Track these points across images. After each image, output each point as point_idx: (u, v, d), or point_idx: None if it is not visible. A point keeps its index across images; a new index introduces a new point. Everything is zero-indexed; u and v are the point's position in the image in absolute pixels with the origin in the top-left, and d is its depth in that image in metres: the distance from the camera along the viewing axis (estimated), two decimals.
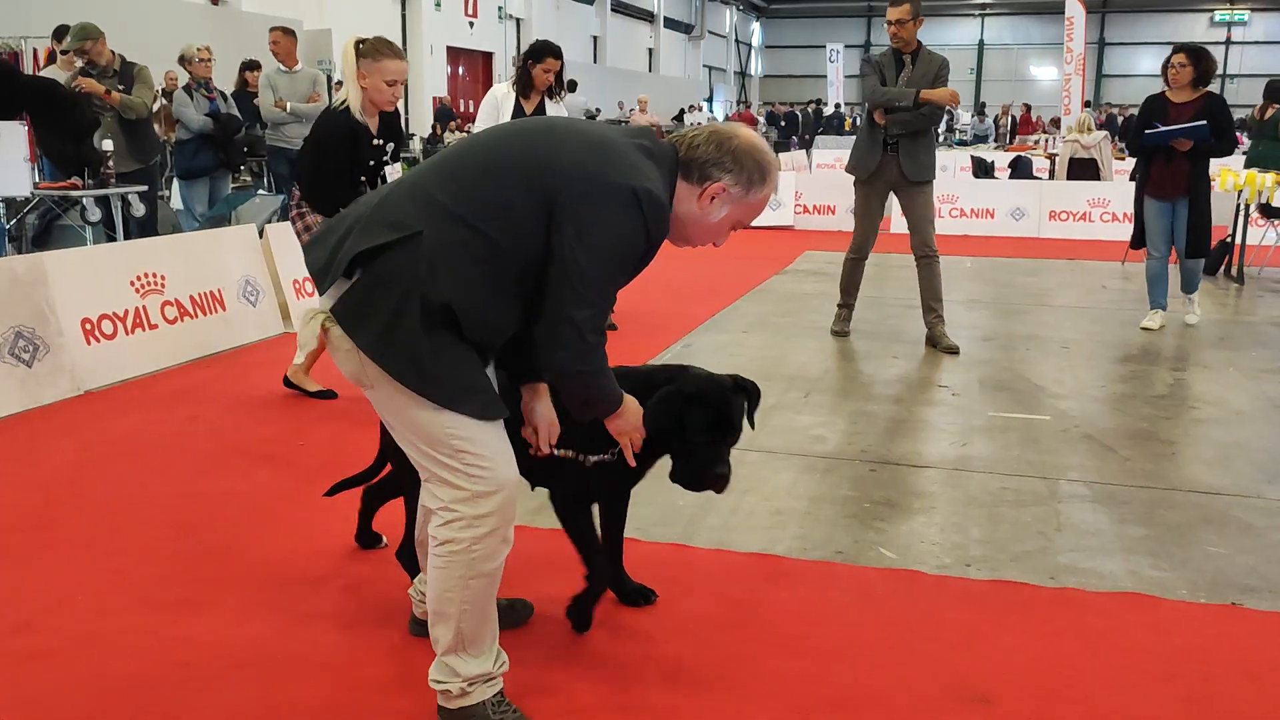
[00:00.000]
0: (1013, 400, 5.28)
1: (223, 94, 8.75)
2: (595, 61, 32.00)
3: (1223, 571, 3.26)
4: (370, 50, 4.56)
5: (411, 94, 23.50)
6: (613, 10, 32.84)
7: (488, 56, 26.76)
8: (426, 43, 23.64)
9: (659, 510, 3.75)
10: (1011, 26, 43.33)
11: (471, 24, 25.59)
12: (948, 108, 6.31)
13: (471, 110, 25.47)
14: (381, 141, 4.72)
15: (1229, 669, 2.69)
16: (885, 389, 5.51)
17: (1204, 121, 6.47)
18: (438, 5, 23.97)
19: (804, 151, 24.85)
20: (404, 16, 23.32)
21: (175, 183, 9.12)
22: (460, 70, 25.76)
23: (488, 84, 26.89)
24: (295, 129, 7.81)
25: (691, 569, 3.29)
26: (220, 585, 3.15)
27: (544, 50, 6.53)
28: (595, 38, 32.43)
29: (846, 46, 34.60)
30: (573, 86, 20.20)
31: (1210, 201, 6.81)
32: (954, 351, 6.31)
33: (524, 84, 6.54)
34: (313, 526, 3.61)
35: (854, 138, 6.88)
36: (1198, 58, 6.66)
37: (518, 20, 27.63)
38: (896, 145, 6.29)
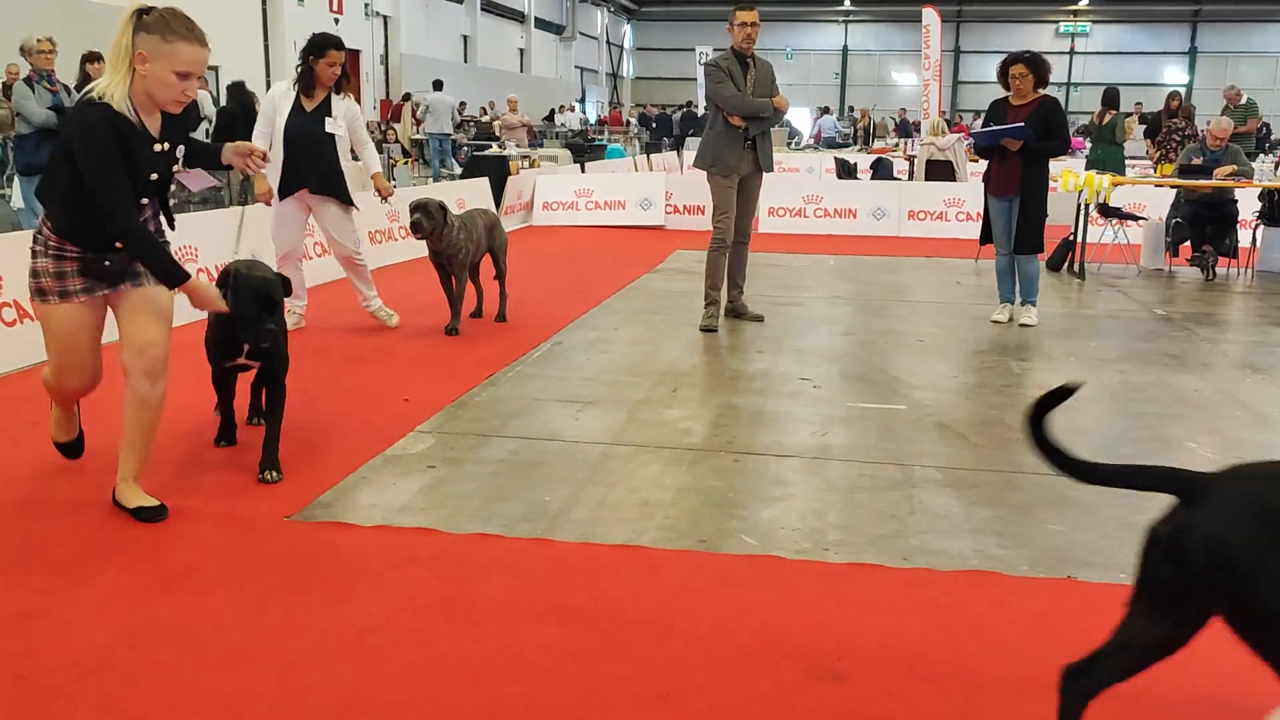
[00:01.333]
0: (871, 391, 5.45)
1: (66, 87, 8.36)
2: (466, 61, 31.69)
3: (1061, 548, 3.45)
4: (158, 24, 3.23)
5: None
6: (483, 10, 32.56)
7: (354, 54, 26.19)
8: (289, 39, 23.00)
9: (523, 506, 3.75)
10: (874, 33, 44.68)
11: (337, 20, 25.00)
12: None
13: None
14: (166, 146, 3.45)
15: (1065, 636, 2.84)
16: (750, 383, 5.62)
17: (1021, 124, 6.84)
18: (300, 0, 23.36)
19: (675, 153, 25.13)
20: (265, 11, 22.64)
21: (16, 179, 8.66)
22: None
23: (355, 83, 26.33)
24: None
25: (556, 563, 3.30)
26: (61, 596, 3.01)
27: (325, 43, 6.22)
28: (465, 37, 32.10)
29: (716, 49, 35.07)
30: (438, 85, 20.01)
31: (1044, 200, 7.10)
32: (759, 320, 7.12)
33: (306, 81, 6.26)
34: (155, 539, 3.48)
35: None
36: (1035, 65, 7.00)
37: (385, 18, 27.14)
38: (754, 142, 6.80)
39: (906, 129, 29.01)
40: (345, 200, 6.47)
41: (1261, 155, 21.54)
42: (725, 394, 5.36)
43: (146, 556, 3.29)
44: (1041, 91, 7.01)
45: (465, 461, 4.25)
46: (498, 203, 12.32)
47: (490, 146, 15.78)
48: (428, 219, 6.35)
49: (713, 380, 5.69)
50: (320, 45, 6.16)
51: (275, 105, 6.28)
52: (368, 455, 4.27)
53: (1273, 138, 28.96)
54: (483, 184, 12.12)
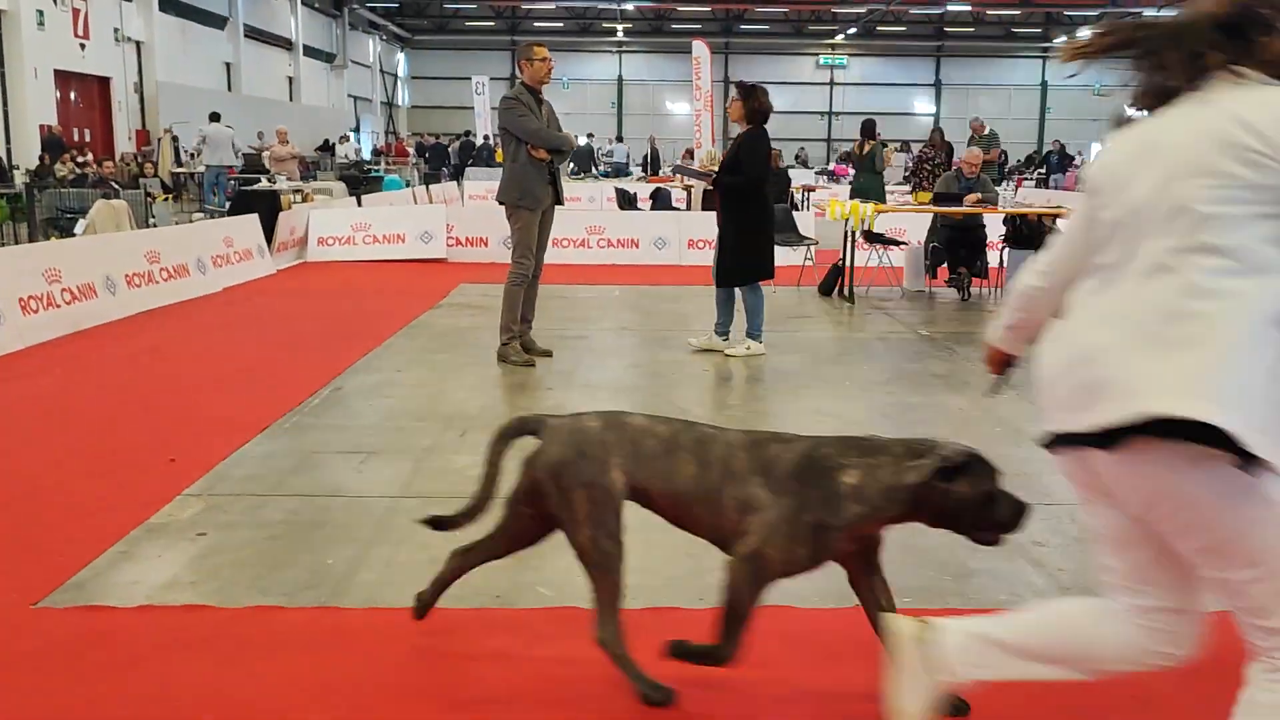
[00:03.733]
0: None
1: None
2: (230, 90, 30.26)
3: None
4: None
5: (13, 122, 21.07)
6: (246, 36, 31.20)
7: (104, 82, 24.49)
8: (29, 65, 21.29)
9: (305, 572, 3.53)
10: (648, 64, 45.80)
11: (83, 46, 23.35)
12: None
13: (88, 139, 23.21)
14: None
15: (857, 670, 2.91)
16: None
17: (685, 164, 7.14)
18: (40, 23, 21.67)
19: (455, 183, 24.88)
20: (0, 34, 20.88)
21: None
22: (72, 96, 23.41)
23: (105, 111, 24.63)
24: None
25: (343, 633, 3.12)
26: None
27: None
28: (229, 64, 30.67)
29: (492, 79, 35.05)
30: (215, 116, 19.09)
31: (742, 234, 6.97)
32: (548, 354, 7.04)
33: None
34: None
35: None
36: (744, 92, 6.98)
37: (138, 44, 25.55)
38: (554, 176, 6.87)
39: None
40: None
41: (1006, 182, 23.46)
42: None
43: None
44: (749, 126, 6.97)
45: (240, 526, 3.97)
46: (269, 239, 11.77)
47: (259, 180, 15.08)
48: None
49: (502, 421, 5.57)
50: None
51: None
52: (128, 526, 3.92)
53: (1009, 165, 31.56)
54: (251, 221, 11.54)
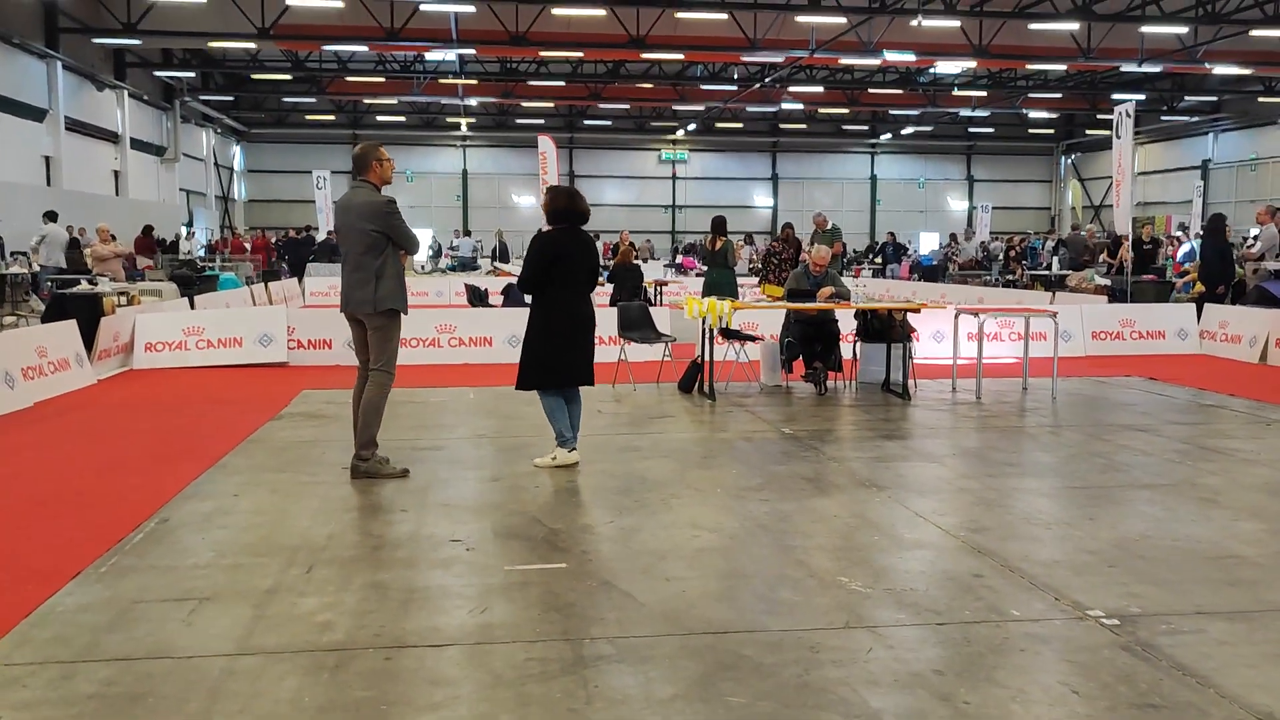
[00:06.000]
0: (528, 549, 5.11)
1: None
2: (49, 184, 28.59)
3: None
4: None
5: None
6: (68, 129, 29.64)
7: None
8: None
9: None
10: (493, 157, 45.85)
11: None
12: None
13: None
14: None
15: None
16: (395, 551, 5.08)
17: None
18: None
19: (296, 280, 24.05)
20: None
21: None
22: None
23: None
24: None
25: None
26: None
27: None
28: (48, 158, 29.03)
29: (334, 172, 34.37)
30: (53, 216, 17.94)
31: (534, 335, 6.73)
32: (404, 475, 6.56)
33: None
34: None
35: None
36: (550, 195, 6.94)
37: None
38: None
39: None
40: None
41: (845, 272, 24.23)
42: (368, 569, 4.79)
43: None
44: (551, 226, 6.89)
45: (40, 705, 3.38)
46: (89, 346, 10.88)
47: (78, 282, 14.08)
48: None
49: (353, 552, 5.08)
50: None
51: None
52: None
53: (848, 256, 32.72)
54: (68, 327, 10.65)
